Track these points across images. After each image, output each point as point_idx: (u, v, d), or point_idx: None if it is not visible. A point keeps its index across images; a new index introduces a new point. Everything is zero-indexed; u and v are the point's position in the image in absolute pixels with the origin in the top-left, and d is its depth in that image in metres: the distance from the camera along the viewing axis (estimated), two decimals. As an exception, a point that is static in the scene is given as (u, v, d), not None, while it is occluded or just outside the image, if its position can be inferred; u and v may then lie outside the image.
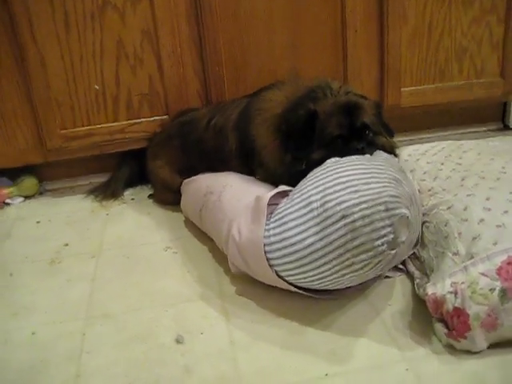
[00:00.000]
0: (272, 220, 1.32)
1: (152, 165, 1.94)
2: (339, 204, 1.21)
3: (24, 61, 1.87)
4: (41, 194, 2.12)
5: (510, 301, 1.16)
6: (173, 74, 1.99)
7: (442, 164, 1.69)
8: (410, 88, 2.16)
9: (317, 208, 1.24)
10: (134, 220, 1.88)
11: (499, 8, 2.10)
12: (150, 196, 2.02)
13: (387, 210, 1.18)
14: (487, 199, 1.39)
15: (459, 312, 1.17)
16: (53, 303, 1.47)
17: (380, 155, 1.43)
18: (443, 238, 1.38)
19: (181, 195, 1.81)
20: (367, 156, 1.41)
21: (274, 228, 1.30)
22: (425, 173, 1.68)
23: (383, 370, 1.18)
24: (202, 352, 1.26)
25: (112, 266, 1.62)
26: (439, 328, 1.22)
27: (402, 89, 2.15)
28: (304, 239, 1.25)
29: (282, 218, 1.30)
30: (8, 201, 2.05)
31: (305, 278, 1.30)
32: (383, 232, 1.18)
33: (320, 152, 1.43)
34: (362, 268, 1.25)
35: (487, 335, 1.17)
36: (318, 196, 1.25)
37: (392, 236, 1.18)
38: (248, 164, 1.62)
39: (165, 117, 2.03)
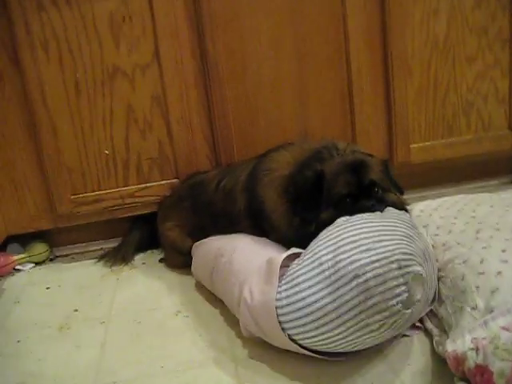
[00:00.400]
0: (283, 282, 1.29)
1: (162, 227, 1.93)
2: (351, 263, 1.18)
3: (35, 127, 1.91)
4: (51, 260, 2.11)
5: (536, 357, 1.10)
6: (182, 139, 2.02)
7: (456, 218, 1.66)
8: (419, 144, 2.17)
9: (328, 268, 1.22)
10: (144, 284, 1.85)
11: (503, 62, 2.14)
12: (160, 260, 2.00)
13: (400, 267, 1.15)
14: (503, 251, 1.35)
15: (482, 369, 1.11)
16: (61, 370, 1.43)
17: (391, 212, 1.41)
18: (460, 292, 1.34)
19: (191, 258, 1.79)
20: (378, 213, 1.39)
21: (285, 290, 1.27)
22: (438, 227, 1.65)
23: None
24: (214, 420, 1.21)
25: (122, 331, 1.58)
26: (462, 388, 1.16)
27: (411, 145, 2.16)
28: (317, 301, 1.21)
29: (294, 279, 1.27)
30: (19, 267, 2.04)
31: (319, 341, 1.26)
32: (397, 291, 1.14)
33: (329, 212, 1.42)
34: (377, 329, 1.20)
35: (515, 394, 1.11)
36: (330, 256, 1.22)
37: (407, 295, 1.15)
38: (258, 225, 1.61)
39: (174, 180, 2.04)
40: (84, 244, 2.16)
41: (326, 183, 1.43)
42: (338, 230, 1.27)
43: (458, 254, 1.45)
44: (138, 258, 2.05)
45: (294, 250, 1.40)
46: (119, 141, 1.99)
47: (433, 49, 2.09)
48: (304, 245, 1.39)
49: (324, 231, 1.33)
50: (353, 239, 1.22)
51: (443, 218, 1.69)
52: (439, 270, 1.48)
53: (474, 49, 2.12)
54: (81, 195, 2.00)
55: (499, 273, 1.29)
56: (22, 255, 2.05)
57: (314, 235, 1.38)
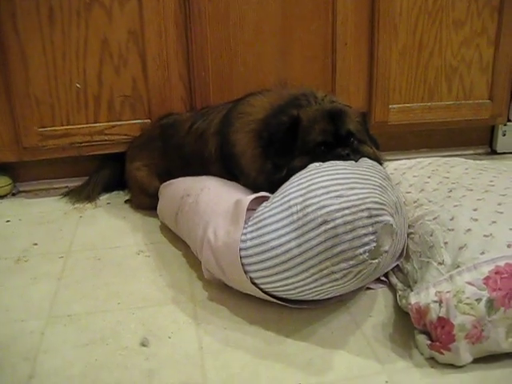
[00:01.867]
0: (250, 224, 1.26)
1: (130, 166, 1.87)
2: (320, 209, 1.15)
3: (4, 53, 1.81)
4: (13, 194, 2.03)
5: (497, 312, 1.09)
6: (157, 78, 1.94)
7: (429, 177, 1.64)
8: (399, 105, 2.13)
9: (297, 212, 1.18)
10: (107, 223, 1.80)
11: (490, 31, 2.10)
12: (126, 201, 1.95)
13: (371, 216, 1.12)
14: (474, 210, 1.34)
15: (444, 322, 1.10)
16: (15, 302, 1.39)
17: (366, 162, 1.38)
18: (428, 248, 1.33)
19: (158, 200, 1.74)
20: (352, 162, 1.36)
21: (251, 232, 1.24)
22: (411, 185, 1.63)
23: (362, 381, 1.10)
24: (168, 356, 1.18)
25: (80, 266, 1.54)
26: (422, 340, 1.15)
27: (391, 105, 2.12)
28: (282, 244, 1.18)
29: (261, 221, 1.23)
30: (-23, 199, 1.97)
31: (281, 287, 1.24)
32: (366, 240, 1.12)
33: (302, 159, 1.37)
34: (341, 278, 1.18)
35: (472, 348, 1.11)
36: (299, 199, 1.19)
37: (375, 244, 1.12)
38: (228, 169, 1.56)
39: (147, 120, 1.97)
40: (49, 181, 2.08)
41: (302, 129, 1.38)
42: (310, 175, 1.24)
43: (429, 211, 1.44)
44: (104, 197, 1.99)
45: (263, 193, 1.36)
46: (92, 75, 1.90)
47: (421, 9, 2.04)
48: (273, 191, 1.35)
49: (295, 175, 1.29)
50: (324, 184, 1.19)
51: (416, 177, 1.67)
52: (409, 227, 1.46)
53: (462, 13, 2.07)
54: (48, 128, 1.92)
55: (468, 230, 1.27)
56: (-17, 185, 1.98)
57: (284, 182, 1.35)
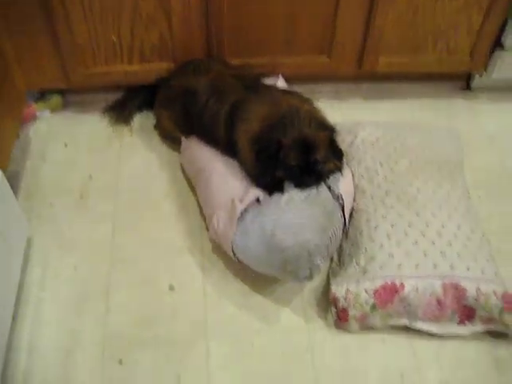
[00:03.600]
0: (239, 229, 1.90)
1: (158, 112, 2.39)
2: (281, 241, 1.80)
3: (50, 12, 2.15)
4: (64, 107, 2.57)
5: (376, 311, 1.85)
6: (180, 31, 2.29)
7: (381, 165, 2.19)
8: (387, 58, 2.48)
9: (268, 236, 1.83)
10: (142, 156, 2.40)
11: (482, 2, 2.31)
12: (155, 127, 2.49)
13: (309, 255, 1.79)
14: (392, 226, 1.96)
15: (344, 311, 1.86)
16: (86, 241, 2.11)
17: (320, 198, 1.90)
18: (356, 244, 1.99)
19: (180, 141, 2.32)
20: (309, 200, 1.89)
21: (239, 236, 1.89)
22: (366, 169, 2.19)
23: (292, 334, 1.90)
24: (185, 300, 1.96)
25: (127, 209, 2.21)
26: (333, 312, 1.92)
27: (380, 58, 2.48)
28: (256, 253, 1.86)
29: (245, 233, 1.87)
30: (38, 113, 2.51)
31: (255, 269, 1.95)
32: (304, 269, 1.80)
33: (282, 172, 1.92)
34: (290, 279, 1.90)
35: (358, 324, 1.89)
36: (270, 230, 1.83)
37: (309, 273, 1.82)
38: (233, 151, 2.11)
39: (172, 64, 2.39)
40: (93, 93, 2.58)
41: (282, 153, 1.90)
42: (279, 212, 1.85)
43: (366, 211, 2.05)
44: (137, 119, 2.53)
45: (251, 197, 1.95)
46: (125, 31, 2.26)
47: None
48: (261, 188, 1.96)
49: (272, 206, 1.88)
50: (287, 223, 1.82)
51: (374, 160, 2.22)
52: (353, 211, 2.10)
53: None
54: (91, 69, 2.36)
55: (381, 246, 1.93)
56: (41, 104, 2.50)
57: (268, 184, 1.95)
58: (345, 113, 2.62)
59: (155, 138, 2.48)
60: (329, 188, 1.97)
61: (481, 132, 2.60)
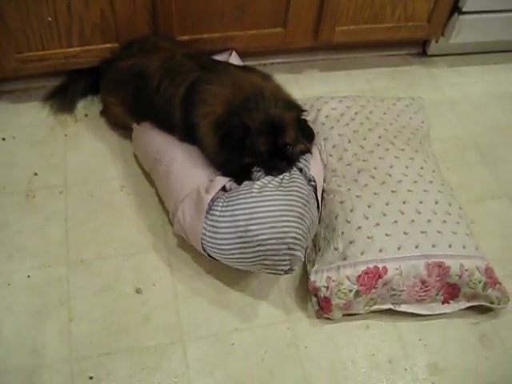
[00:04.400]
0: (209, 223, 1.74)
1: (105, 97, 2.18)
2: (257, 235, 1.67)
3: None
4: (-4, 95, 2.31)
5: (360, 298, 1.77)
6: (124, 8, 2.08)
7: (349, 142, 2.09)
8: (344, 27, 2.37)
9: (242, 232, 1.69)
10: (90, 147, 2.19)
11: (439, -35, 2.23)
12: (101, 113, 2.28)
13: (289, 249, 1.67)
14: (369, 206, 1.88)
15: (327, 300, 1.78)
16: (38, 245, 1.90)
17: (295, 184, 1.76)
18: (332, 229, 1.90)
19: (131, 128, 2.13)
20: (284, 187, 1.75)
21: (209, 231, 1.74)
22: (334, 146, 2.09)
23: (273, 329, 1.81)
24: (155, 303, 1.82)
25: (79, 205, 2.02)
26: (314, 302, 1.83)
27: (337, 28, 2.36)
28: (229, 249, 1.72)
29: (216, 227, 1.72)
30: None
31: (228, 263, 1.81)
32: (283, 263, 1.69)
33: (250, 158, 1.79)
34: (267, 273, 1.79)
35: (342, 312, 1.82)
36: (243, 223, 1.68)
37: (289, 266, 1.70)
38: (191, 138, 1.94)
39: (116, 44, 2.18)
40: (28, 80, 2.33)
41: (250, 138, 1.76)
42: (254, 202, 1.71)
43: (339, 191, 1.95)
44: (81, 106, 2.31)
45: (217, 186, 1.81)
46: (62, 9, 2.02)
47: None
48: (227, 175, 1.83)
49: (242, 197, 1.73)
50: (261, 215, 1.68)
51: (341, 136, 2.12)
52: (324, 192, 1.99)
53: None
54: (26, 54, 2.11)
55: (359, 228, 1.84)
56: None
57: (235, 172, 1.81)
58: (302, 87, 2.52)
59: (103, 126, 2.27)
60: (300, 170, 1.85)
61: (442, 98, 2.56)
